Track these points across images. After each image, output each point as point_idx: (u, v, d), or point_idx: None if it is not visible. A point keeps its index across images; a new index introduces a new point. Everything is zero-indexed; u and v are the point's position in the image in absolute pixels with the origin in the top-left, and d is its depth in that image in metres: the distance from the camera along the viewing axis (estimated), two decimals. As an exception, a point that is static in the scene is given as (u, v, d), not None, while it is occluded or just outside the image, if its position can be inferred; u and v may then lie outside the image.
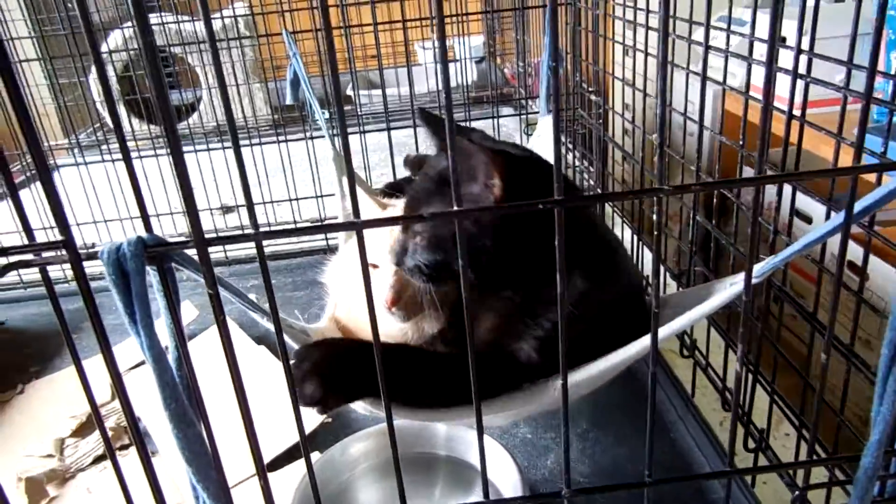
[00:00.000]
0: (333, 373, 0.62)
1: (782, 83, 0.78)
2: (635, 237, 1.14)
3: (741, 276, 0.61)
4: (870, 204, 0.44)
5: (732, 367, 0.92)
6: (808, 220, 1.27)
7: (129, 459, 0.99)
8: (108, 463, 0.98)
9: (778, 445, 0.88)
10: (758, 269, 0.61)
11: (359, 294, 0.87)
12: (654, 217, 0.40)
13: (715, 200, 0.85)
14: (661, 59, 0.37)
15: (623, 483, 0.49)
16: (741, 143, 0.73)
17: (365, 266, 0.38)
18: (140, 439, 0.47)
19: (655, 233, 0.41)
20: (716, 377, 0.97)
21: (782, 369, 0.80)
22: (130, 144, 1.81)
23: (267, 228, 0.40)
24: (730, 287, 0.62)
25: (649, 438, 0.48)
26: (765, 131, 0.39)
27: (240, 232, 0.39)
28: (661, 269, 0.43)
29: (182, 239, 0.39)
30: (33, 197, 1.38)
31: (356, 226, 0.39)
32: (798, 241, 0.53)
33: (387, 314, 0.79)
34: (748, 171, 0.87)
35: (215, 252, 1.49)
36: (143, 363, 1.06)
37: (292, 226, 1.60)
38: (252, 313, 0.58)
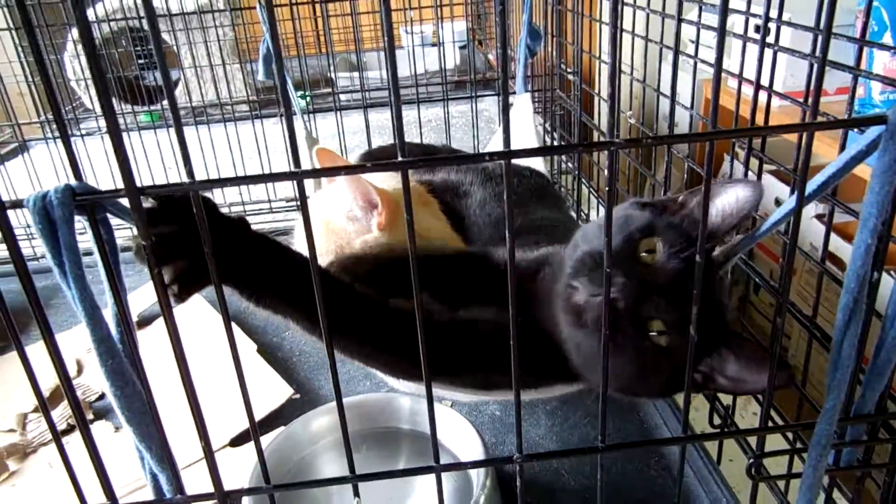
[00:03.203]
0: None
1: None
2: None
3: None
4: (822, 182, 0.44)
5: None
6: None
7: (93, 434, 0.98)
8: (70, 437, 0.96)
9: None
10: (724, 252, 0.60)
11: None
12: (606, 172, 0.39)
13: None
14: (611, 20, 0.36)
15: (575, 448, 0.48)
16: (710, 123, 0.72)
17: (305, 209, 0.37)
18: (82, 415, 0.45)
19: (608, 188, 0.40)
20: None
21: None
22: (104, 123, 1.79)
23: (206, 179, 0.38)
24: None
25: (602, 404, 0.47)
26: (717, 91, 0.38)
27: (177, 182, 0.38)
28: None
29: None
30: None
31: (297, 175, 0.37)
32: (760, 226, 0.52)
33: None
34: (738, 167, 0.87)
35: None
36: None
37: (247, 196, 1.58)
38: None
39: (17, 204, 0.37)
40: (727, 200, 0.56)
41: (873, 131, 0.39)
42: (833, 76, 1.24)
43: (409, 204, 0.38)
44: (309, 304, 0.57)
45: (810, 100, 0.58)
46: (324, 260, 0.74)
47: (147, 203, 0.50)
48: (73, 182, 0.37)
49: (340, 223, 0.77)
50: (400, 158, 0.37)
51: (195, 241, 0.46)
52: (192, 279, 0.51)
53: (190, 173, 0.37)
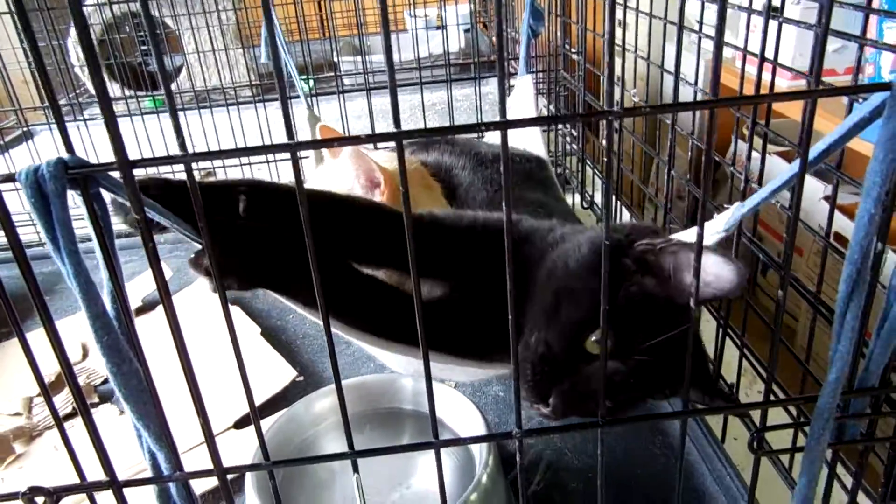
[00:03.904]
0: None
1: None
2: (613, 196, 1.13)
3: (716, 222, 0.60)
4: (824, 149, 0.43)
5: (705, 322, 0.91)
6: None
7: (96, 418, 0.98)
8: (75, 421, 0.97)
9: (749, 401, 0.88)
10: (726, 217, 0.60)
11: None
12: (604, 142, 0.38)
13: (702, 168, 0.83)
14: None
15: (576, 423, 0.48)
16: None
17: (299, 182, 0.37)
18: (82, 398, 0.45)
19: (605, 159, 0.39)
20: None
21: (762, 336, 0.79)
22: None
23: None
24: (711, 236, 0.61)
25: (602, 381, 0.47)
26: (718, 59, 0.38)
27: (169, 154, 0.37)
28: (614, 199, 0.42)
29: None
30: None
31: (291, 147, 0.37)
32: (762, 189, 0.52)
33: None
34: (742, 145, 0.86)
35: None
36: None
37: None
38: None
39: (9, 178, 0.37)
40: (705, 271, 0.50)
41: (876, 98, 0.38)
42: (843, 56, 1.22)
43: (403, 175, 0.38)
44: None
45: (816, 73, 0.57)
46: None
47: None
48: (64, 155, 0.37)
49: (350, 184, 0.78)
50: (394, 129, 0.37)
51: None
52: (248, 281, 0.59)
53: (182, 145, 0.37)
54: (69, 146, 0.38)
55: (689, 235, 0.69)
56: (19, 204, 0.40)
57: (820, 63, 0.38)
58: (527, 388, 0.57)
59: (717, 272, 0.50)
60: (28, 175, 0.36)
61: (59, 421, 0.48)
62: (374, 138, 0.37)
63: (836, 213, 1.08)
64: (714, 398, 0.60)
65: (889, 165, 0.39)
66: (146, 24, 0.34)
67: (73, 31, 2.32)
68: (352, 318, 0.65)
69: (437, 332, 0.63)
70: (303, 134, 1.41)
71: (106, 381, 1.07)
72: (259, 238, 0.60)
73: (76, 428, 0.98)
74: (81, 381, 1.05)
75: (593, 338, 0.55)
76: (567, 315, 0.56)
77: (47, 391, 0.47)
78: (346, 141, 0.36)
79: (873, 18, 1.01)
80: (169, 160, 0.38)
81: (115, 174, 0.38)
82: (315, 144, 0.38)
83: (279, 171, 1.56)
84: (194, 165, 0.39)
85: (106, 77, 2.42)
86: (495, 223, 0.67)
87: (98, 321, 0.41)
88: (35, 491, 0.45)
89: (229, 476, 0.49)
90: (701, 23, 0.82)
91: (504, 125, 0.37)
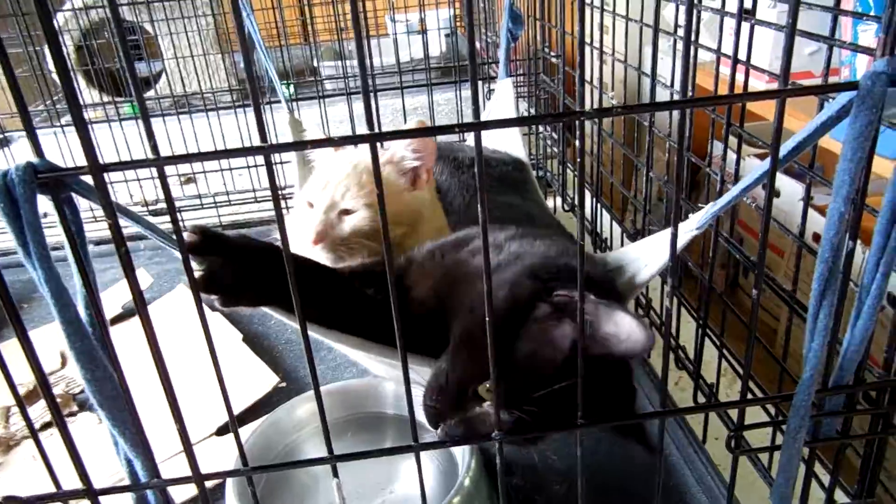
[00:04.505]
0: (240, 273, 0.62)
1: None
2: (594, 199, 1.14)
3: (689, 222, 0.61)
4: (794, 147, 0.44)
5: (686, 324, 0.92)
6: (777, 193, 1.28)
7: (75, 426, 0.97)
8: (53, 430, 0.95)
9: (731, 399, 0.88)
10: (700, 217, 0.60)
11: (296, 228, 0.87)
12: (577, 142, 0.38)
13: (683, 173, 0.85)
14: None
15: (554, 425, 0.48)
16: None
17: (274, 189, 0.36)
18: (57, 409, 0.45)
19: (578, 159, 0.39)
20: (672, 337, 0.96)
21: (742, 337, 0.79)
22: (91, 114, 1.76)
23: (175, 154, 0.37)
24: (684, 234, 0.61)
25: (581, 384, 0.47)
26: (687, 58, 0.38)
27: (140, 158, 0.37)
28: (594, 201, 0.42)
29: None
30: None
31: (264, 150, 0.37)
32: (734, 188, 0.53)
33: (313, 250, 0.82)
34: (717, 146, 0.87)
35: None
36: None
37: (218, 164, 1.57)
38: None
39: (-23, 183, 0.36)
40: (614, 330, 0.53)
41: (844, 97, 0.39)
42: (819, 58, 1.24)
43: (378, 178, 0.38)
44: (325, 307, 0.66)
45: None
46: (361, 210, 0.83)
47: (191, 237, 0.59)
48: (34, 160, 0.37)
49: (393, 175, 0.87)
50: (368, 131, 0.37)
51: (236, 269, 0.60)
52: (234, 299, 0.62)
53: (154, 148, 0.37)
54: (38, 150, 0.37)
55: (663, 236, 0.70)
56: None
57: (787, 63, 0.39)
58: (424, 410, 0.60)
59: (630, 332, 0.52)
60: (-4, 180, 0.36)
61: (34, 431, 0.48)
62: (348, 140, 0.37)
63: (815, 215, 1.09)
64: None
65: (857, 164, 0.39)
66: (115, 28, 0.34)
67: (50, 37, 2.29)
68: (330, 322, 0.66)
69: (412, 335, 0.63)
70: (283, 139, 1.41)
71: (83, 390, 1.06)
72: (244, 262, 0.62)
73: (54, 437, 0.97)
74: (60, 389, 1.03)
75: (486, 385, 0.57)
76: (465, 362, 0.59)
77: (22, 402, 0.46)
78: (318, 143, 0.36)
79: (848, 21, 1.02)
80: (140, 164, 0.37)
81: (87, 178, 0.37)
82: (288, 147, 0.38)
83: (259, 176, 1.55)
84: (171, 170, 0.39)
85: (84, 83, 2.40)
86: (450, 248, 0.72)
87: (71, 327, 0.40)
88: (9, 501, 0.44)
89: (209, 483, 0.48)
90: (677, 26, 0.83)
91: (478, 126, 0.38)
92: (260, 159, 1.50)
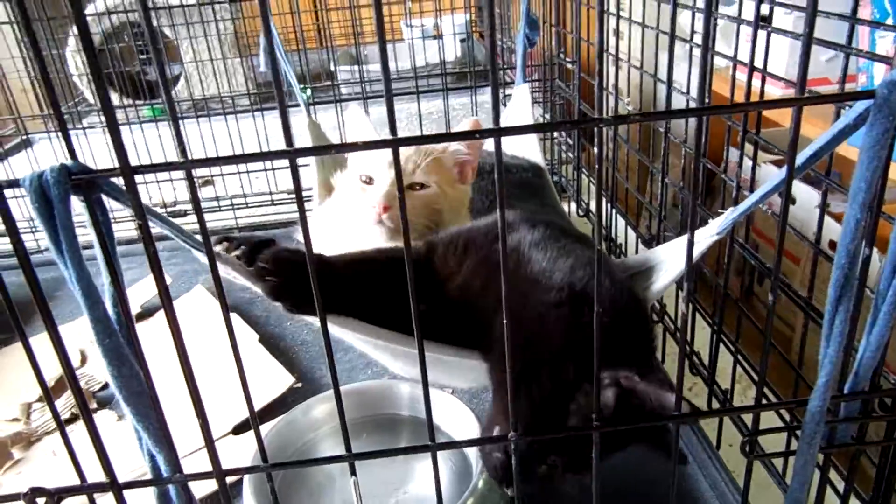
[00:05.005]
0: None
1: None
2: (609, 205, 1.14)
3: (709, 227, 0.61)
4: (811, 154, 0.44)
5: (701, 330, 0.92)
6: (793, 200, 1.27)
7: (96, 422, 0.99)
8: (74, 426, 0.97)
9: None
10: (720, 222, 0.61)
11: (340, 227, 0.89)
12: (595, 150, 0.39)
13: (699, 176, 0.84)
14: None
15: (571, 427, 0.49)
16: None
17: (298, 189, 0.37)
18: (82, 397, 0.46)
19: (597, 165, 0.40)
20: (686, 343, 0.97)
21: (757, 345, 0.80)
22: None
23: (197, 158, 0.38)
24: (704, 239, 0.62)
25: (596, 384, 0.47)
26: (705, 66, 0.39)
27: (169, 161, 0.38)
28: (609, 206, 0.43)
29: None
30: None
31: (289, 154, 0.38)
32: (753, 194, 0.53)
33: (375, 227, 0.83)
34: (733, 152, 0.87)
35: (189, 223, 1.48)
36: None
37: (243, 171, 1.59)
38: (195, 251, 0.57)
39: (14, 183, 0.38)
40: (654, 403, 0.57)
41: (861, 105, 0.39)
42: (836, 65, 1.24)
43: (400, 183, 0.38)
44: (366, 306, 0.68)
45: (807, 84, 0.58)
46: (433, 186, 0.86)
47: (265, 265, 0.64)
48: (68, 162, 0.38)
49: (449, 162, 0.90)
50: (390, 136, 0.38)
51: (295, 285, 0.64)
52: (298, 307, 0.65)
53: (183, 151, 0.38)
54: (72, 153, 0.38)
55: (680, 242, 0.70)
56: (19, 212, 0.41)
57: (804, 71, 0.39)
58: (489, 471, 0.63)
59: (669, 405, 0.53)
60: (32, 181, 0.37)
61: (60, 422, 0.49)
62: (370, 145, 0.38)
63: (832, 222, 1.09)
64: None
65: (873, 172, 0.40)
66: (148, 33, 0.35)
67: (71, 41, 2.33)
68: (364, 315, 0.67)
69: (432, 322, 0.65)
70: (302, 142, 1.42)
71: (104, 387, 1.07)
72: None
73: (76, 432, 0.99)
74: (82, 385, 1.05)
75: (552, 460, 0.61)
76: (526, 441, 0.59)
77: (49, 393, 0.47)
78: (342, 147, 0.37)
79: (866, 27, 1.02)
80: (169, 167, 0.38)
81: (118, 180, 0.38)
82: (314, 151, 0.39)
83: (276, 179, 1.57)
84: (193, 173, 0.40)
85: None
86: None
87: (100, 324, 0.41)
88: (36, 492, 0.46)
89: (228, 479, 0.49)
90: (693, 32, 0.83)
91: (498, 132, 0.38)
92: (277, 162, 1.53)
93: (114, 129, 0.36)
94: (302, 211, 0.37)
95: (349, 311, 0.67)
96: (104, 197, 0.41)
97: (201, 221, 0.39)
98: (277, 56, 1.28)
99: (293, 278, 0.64)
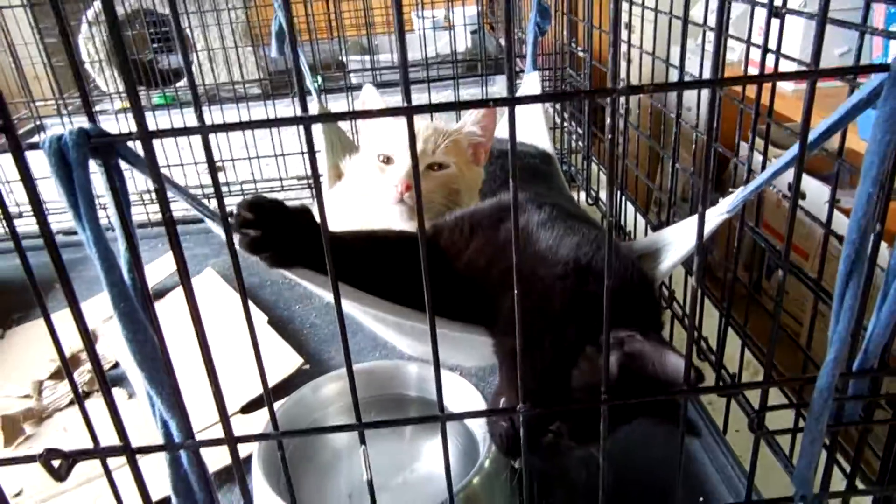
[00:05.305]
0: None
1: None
2: (619, 192, 1.14)
3: (719, 206, 0.61)
4: (824, 130, 0.44)
5: (709, 318, 0.92)
6: (803, 195, 1.26)
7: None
8: (87, 402, 0.98)
9: (752, 394, 0.88)
10: (730, 200, 0.61)
11: (351, 210, 0.90)
12: (609, 120, 0.39)
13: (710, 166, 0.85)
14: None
15: (580, 401, 0.49)
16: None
17: (312, 156, 0.38)
18: (102, 374, 0.47)
19: (609, 135, 0.40)
20: (695, 329, 0.97)
21: (765, 335, 0.80)
22: (118, 105, 1.80)
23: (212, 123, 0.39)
24: (715, 217, 0.62)
25: (605, 359, 0.47)
26: (719, 38, 0.39)
27: (187, 126, 0.39)
28: (619, 194, 0.43)
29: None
30: None
31: (302, 120, 0.38)
32: (762, 174, 0.53)
33: (395, 207, 0.84)
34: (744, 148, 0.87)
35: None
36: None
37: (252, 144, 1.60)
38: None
39: (34, 146, 0.38)
40: (661, 368, 0.56)
41: (875, 79, 0.39)
42: (850, 60, 1.23)
43: (413, 147, 0.39)
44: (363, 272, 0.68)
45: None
46: (453, 166, 0.88)
47: (245, 213, 0.61)
48: (87, 125, 0.39)
49: (464, 145, 0.92)
50: (405, 104, 0.38)
51: (276, 236, 0.62)
52: (279, 261, 0.64)
53: (199, 118, 0.38)
54: (91, 116, 0.39)
55: (688, 223, 0.70)
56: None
57: (819, 45, 0.39)
58: (496, 443, 0.65)
59: (676, 369, 0.55)
60: (52, 143, 0.38)
61: (78, 393, 0.49)
62: (384, 112, 0.38)
63: (842, 217, 1.09)
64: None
65: (887, 146, 0.40)
66: (174, 26, 0.36)
67: (83, 28, 2.34)
68: (369, 287, 0.68)
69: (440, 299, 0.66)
70: (316, 129, 1.43)
71: (115, 366, 1.08)
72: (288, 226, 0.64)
73: (88, 408, 1.00)
74: (90, 366, 1.06)
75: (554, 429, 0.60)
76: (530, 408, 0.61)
77: (66, 363, 0.48)
78: (358, 114, 0.38)
79: (881, 15, 1.02)
80: (186, 131, 0.39)
81: (136, 144, 0.39)
82: (323, 118, 0.39)
83: (287, 165, 1.57)
84: (200, 157, 0.40)
85: (116, 74, 2.44)
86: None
87: (115, 288, 0.42)
88: (52, 453, 0.46)
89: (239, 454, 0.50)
90: (706, 18, 0.83)
91: (512, 101, 0.38)
92: (288, 147, 1.53)
93: (133, 92, 0.37)
94: (316, 176, 0.38)
95: (358, 284, 0.67)
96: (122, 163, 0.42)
97: (216, 184, 0.39)
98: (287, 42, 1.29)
99: (275, 229, 0.62)
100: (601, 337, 0.60)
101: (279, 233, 0.63)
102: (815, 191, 1.28)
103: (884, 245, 0.47)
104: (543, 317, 0.61)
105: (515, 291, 0.44)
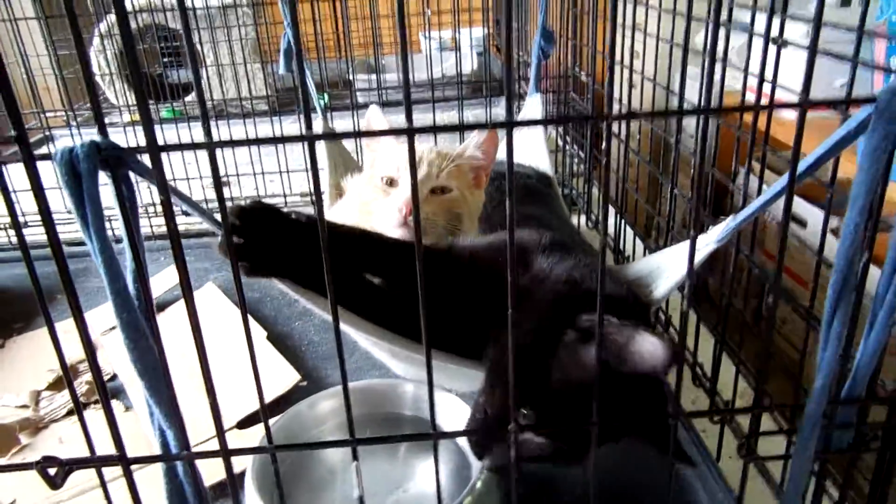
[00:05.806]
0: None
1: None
2: (618, 216, 1.15)
3: (709, 234, 0.62)
4: (813, 161, 0.46)
5: (704, 341, 0.92)
6: (804, 223, 1.27)
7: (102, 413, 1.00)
8: (85, 412, 0.98)
9: (745, 419, 0.89)
10: (720, 229, 0.62)
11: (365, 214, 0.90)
12: (604, 144, 0.40)
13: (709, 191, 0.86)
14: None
15: (571, 423, 0.50)
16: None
17: (315, 174, 0.39)
18: (102, 383, 0.48)
19: (604, 158, 0.41)
20: (688, 353, 0.97)
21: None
22: (126, 118, 1.82)
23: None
24: (704, 247, 0.63)
25: (596, 385, 0.48)
26: (712, 65, 0.40)
27: (195, 141, 0.40)
28: (618, 218, 0.44)
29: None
30: None
31: (306, 138, 0.39)
32: (752, 203, 0.54)
33: (398, 230, 0.84)
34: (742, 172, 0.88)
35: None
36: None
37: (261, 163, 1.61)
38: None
39: (45, 156, 0.40)
40: (637, 349, 0.56)
41: (863, 111, 0.40)
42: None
43: (413, 167, 0.40)
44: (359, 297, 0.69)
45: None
46: (455, 191, 0.89)
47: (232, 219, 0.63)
48: (97, 138, 0.40)
49: (465, 169, 0.91)
50: (407, 125, 0.39)
51: (258, 246, 0.64)
52: (254, 271, 0.65)
53: (207, 132, 0.39)
54: (102, 129, 0.40)
55: (679, 249, 0.71)
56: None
57: (809, 77, 0.41)
58: (469, 444, 0.66)
59: (652, 351, 0.54)
60: (63, 155, 0.39)
61: (76, 397, 0.50)
62: (386, 132, 0.39)
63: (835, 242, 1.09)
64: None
65: (873, 176, 0.41)
66: (186, 42, 0.37)
67: (95, 41, 2.37)
68: (359, 310, 0.68)
69: (437, 331, 0.65)
70: (319, 147, 1.45)
71: (112, 378, 1.09)
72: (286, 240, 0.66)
73: (85, 417, 1.00)
74: (89, 377, 1.07)
75: (524, 411, 0.60)
76: (501, 397, 0.62)
77: (67, 370, 0.49)
78: (362, 134, 0.39)
79: (882, 50, 1.03)
80: (194, 146, 0.40)
81: (144, 158, 0.40)
82: (328, 136, 0.40)
83: (291, 182, 1.59)
84: (206, 171, 0.41)
85: (125, 87, 2.47)
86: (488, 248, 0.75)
87: (119, 297, 0.43)
88: (48, 461, 0.47)
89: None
90: (705, 46, 0.84)
91: (510, 125, 0.40)
92: (292, 164, 1.55)
93: (143, 107, 0.38)
94: (318, 193, 0.39)
95: (354, 308, 0.68)
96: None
97: (220, 198, 0.40)
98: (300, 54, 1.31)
99: (258, 237, 0.63)
100: (580, 318, 0.60)
101: (262, 242, 0.64)
102: (817, 218, 1.29)
103: (875, 271, 0.48)
104: (534, 309, 0.62)
105: (509, 310, 0.45)
